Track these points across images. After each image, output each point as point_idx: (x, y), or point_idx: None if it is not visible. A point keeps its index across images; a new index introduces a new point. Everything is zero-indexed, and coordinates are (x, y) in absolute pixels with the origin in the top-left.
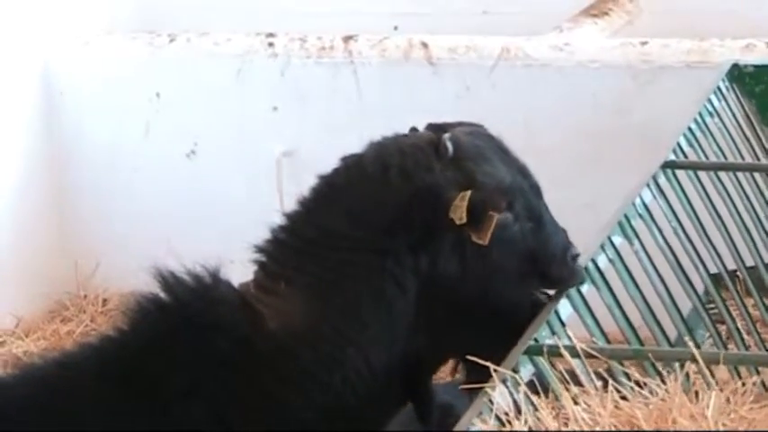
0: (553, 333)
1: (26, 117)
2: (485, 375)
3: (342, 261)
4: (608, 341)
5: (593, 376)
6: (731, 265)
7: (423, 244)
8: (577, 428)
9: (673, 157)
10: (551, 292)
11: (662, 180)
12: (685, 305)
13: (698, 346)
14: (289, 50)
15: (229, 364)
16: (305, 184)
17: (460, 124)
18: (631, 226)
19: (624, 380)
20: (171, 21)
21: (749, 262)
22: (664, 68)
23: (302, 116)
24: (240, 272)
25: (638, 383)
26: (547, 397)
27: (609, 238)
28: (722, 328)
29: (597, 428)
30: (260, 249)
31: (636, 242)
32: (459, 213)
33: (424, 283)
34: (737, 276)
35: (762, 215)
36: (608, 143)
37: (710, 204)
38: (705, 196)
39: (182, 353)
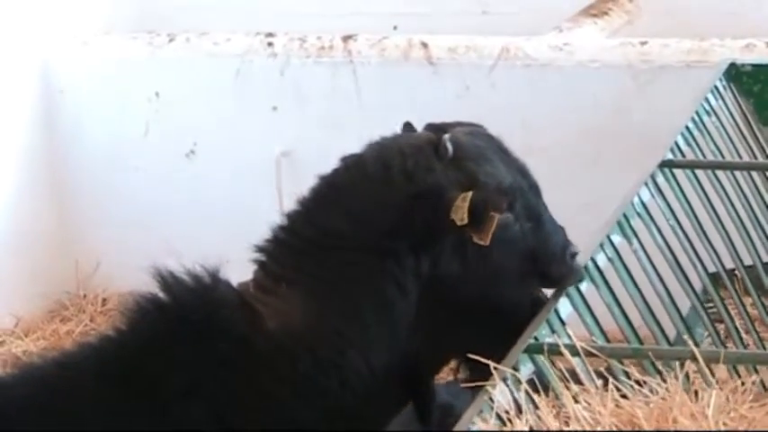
0: (553, 332)
1: (26, 116)
2: (486, 374)
3: (342, 262)
4: (607, 340)
5: (593, 375)
6: (729, 264)
7: (424, 245)
8: (578, 427)
9: (670, 156)
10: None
11: (660, 179)
12: (684, 304)
13: (697, 345)
14: (288, 50)
15: (228, 364)
16: (304, 183)
17: (460, 124)
18: (630, 225)
19: (624, 378)
20: (170, 20)
21: (747, 261)
22: (663, 68)
23: (301, 116)
24: (239, 271)
25: (637, 382)
26: (547, 395)
27: (608, 237)
28: (720, 327)
29: (598, 428)
30: (260, 249)
31: (635, 241)
32: (460, 214)
33: (425, 283)
34: (736, 275)
35: (759, 214)
36: (608, 143)
37: (708, 203)
38: (703, 195)
39: (181, 353)
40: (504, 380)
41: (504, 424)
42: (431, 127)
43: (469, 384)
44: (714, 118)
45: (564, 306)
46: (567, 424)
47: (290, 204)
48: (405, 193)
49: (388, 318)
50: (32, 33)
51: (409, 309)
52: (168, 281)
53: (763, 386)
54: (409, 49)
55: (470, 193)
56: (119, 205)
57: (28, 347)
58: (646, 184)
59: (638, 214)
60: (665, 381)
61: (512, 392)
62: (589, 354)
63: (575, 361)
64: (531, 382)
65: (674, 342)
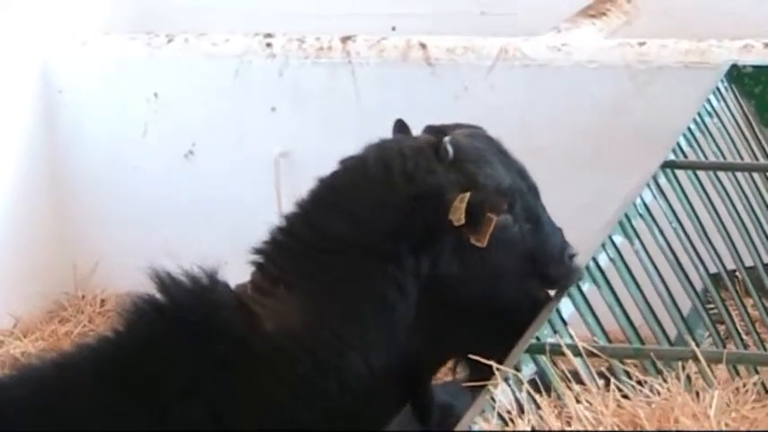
0: (555, 332)
1: (25, 116)
2: (485, 374)
3: (341, 263)
4: (609, 340)
5: (594, 375)
6: (730, 265)
7: (424, 246)
8: (580, 428)
9: (672, 157)
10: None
11: (662, 180)
12: (685, 305)
13: (698, 346)
14: (287, 51)
15: (226, 366)
16: (303, 184)
17: (459, 126)
18: (632, 225)
19: (625, 379)
20: (169, 21)
21: (748, 262)
22: (662, 69)
23: (300, 117)
24: (237, 272)
25: (639, 382)
26: (549, 396)
27: (610, 238)
28: (721, 328)
29: (600, 428)
30: (258, 251)
31: (636, 241)
32: (457, 215)
33: (425, 284)
34: (736, 276)
35: (760, 215)
36: (606, 143)
37: (710, 204)
38: (704, 196)
39: (179, 354)
40: (506, 380)
41: (506, 424)
42: (430, 129)
43: (471, 384)
44: (716, 119)
45: (566, 306)
46: (568, 424)
47: (289, 205)
48: (405, 195)
49: (388, 319)
50: (32, 33)
51: (409, 310)
52: (166, 282)
53: (764, 387)
54: (408, 49)
55: (468, 194)
56: (117, 206)
57: (26, 348)
58: (648, 185)
59: (640, 215)
60: (666, 381)
61: (513, 392)
62: (591, 354)
63: (576, 361)
64: (532, 382)
65: (674, 342)
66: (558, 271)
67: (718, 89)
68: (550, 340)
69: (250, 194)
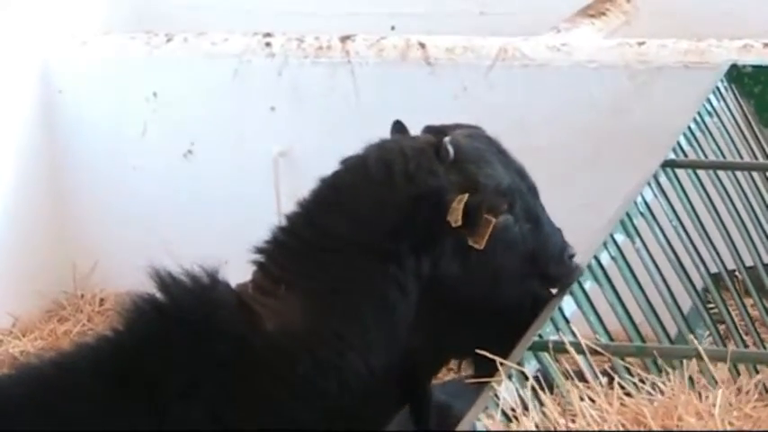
0: (557, 330)
1: (24, 116)
2: (491, 372)
3: (342, 263)
4: (610, 338)
5: (597, 373)
6: (730, 265)
7: (425, 246)
8: (585, 425)
9: (673, 156)
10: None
11: (662, 179)
12: (685, 303)
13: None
14: (286, 50)
15: (227, 365)
16: (302, 183)
17: (458, 126)
18: (633, 224)
19: (628, 377)
20: (168, 20)
21: (748, 261)
22: (661, 69)
23: (299, 116)
24: (237, 271)
25: (642, 380)
26: (551, 393)
27: (611, 236)
28: (721, 327)
29: (605, 426)
30: (259, 250)
31: (637, 240)
32: (455, 216)
33: (426, 284)
34: (736, 276)
35: (760, 214)
36: (605, 143)
37: (710, 203)
38: (705, 195)
39: (178, 353)
40: (510, 377)
41: (510, 421)
42: (430, 129)
43: (474, 381)
44: (716, 118)
45: (568, 304)
46: (572, 422)
47: (288, 204)
48: (406, 195)
49: (389, 319)
50: (31, 33)
51: (409, 309)
52: (166, 281)
53: (765, 387)
54: (407, 49)
55: (466, 196)
56: (116, 205)
57: (25, 347)
58: (648, 184)
59: (641, 214)
60: (669, 379)
61: (517, 390)
62: (594, 352)
63: (579, 359)
64: (535, 380)
65: (674, 341)
66: (558, 270)
67: (717, 89)
68: (553, 338)
69: (249, 193)
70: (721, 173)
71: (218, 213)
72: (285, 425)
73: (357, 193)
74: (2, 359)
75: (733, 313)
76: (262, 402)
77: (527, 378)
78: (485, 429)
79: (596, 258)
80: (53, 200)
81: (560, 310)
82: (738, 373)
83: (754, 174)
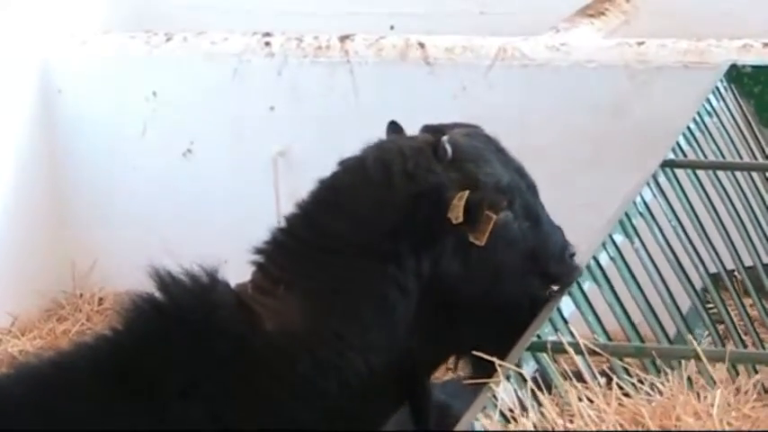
0: (556, 330)
1: (24, 115)
2: (489, 371)
3: (343, 264)
4: (609, 338)
5: (596, 373)
6: (730, 265)
7: (425, 245)
8: (583, 426)
9: (672, 156)
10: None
11: (662, 179)
12: (684, 303)
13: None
14: (285, 50)
15: (226, 365)
16: (301, 183)
17: (457, 125)
18: (632, 224)
19: (626, 377)
20: (168, 20)
21: (747, 262)
22: (660, 69)
23: (299, 116)
24: (236, 270)
25: (640, 381)
26: (550, 394)
27: (610, 236)
28: (720, 327)
29: (603, 426)
30: (259, 251)
31: (636, 240)
32: (455, 212)
33: (426, 284)
34: (735, 276)
35: (759, 215)
36: (604, 143)
37: (709, 203)
38: (704, 195)
39: (178, 353)
40: (508, 377)
41: (508, 421)
42: (428, 128)
43: (473, 381)
44: (715, 119)
45: (566, 304)
46: (571, 422)
47: (287, 204)
48: (405, 194)
49: (388, 318)
50: (31, 33)
51: (409, 309)
52: (166, 281)
53: (763, 388)
54: (406, 49)
55: (467, 192)
56: (116, 204)
57: (24, 347)
58: (648, 184)
59: (640, 214)
60: (667, 380)
61: (515, 390)
62: (592, 352)
63: (578, 359)
64: (533, 380)
65: (673, 341)
66: (559, 269)
67: (717, 89)
68: (552, 338)
69: (248, 193)
70: (720, 173)
71: (217, 213)
72: (285, 425)
73: (356, 193)
74: (1, 358)
75: (732, 313)
76: (261, 402)
77: (525, 379)
78: (483, 430)
79: (595, 259)
80: (52, 199)
81: (559, 310)
82: (737, 373)
83: (754, 174)
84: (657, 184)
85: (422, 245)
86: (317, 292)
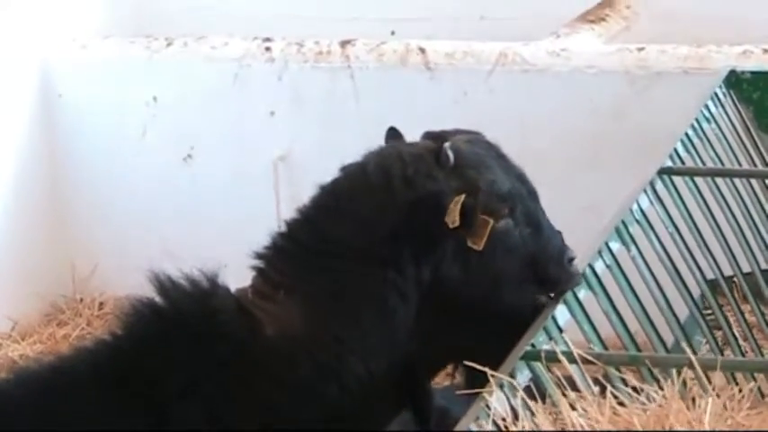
0: (550, 339)
1: (24, 120)
2: (483, 381)
3: (343, 270)
4: (605, 347)
5: (590, 382)
6: (728, 272)
7: (425, 251)
8: None
9: (669, 163)
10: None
11: (659, 186)
12: (682, 311)
13: (694, 353)
14: (286, 55)
15: (226, 369)
16: (301, 188)
17: (458, 131)
18: (628, 232)
19: (621, 386)
20: (168, 24)
21: (746, 268)
22: (661, 74)
23: (299, 120)
24: (236, 276)
25: (635, 389)
26: (544, 403)
27: (606, 244)
28: (718, 334)
29: None
30: (259, 256)
31: (633, 248)
32: (452, 216)
33: (426, 289)
34: (734, 283)
35: (758, 221)
36: (605, 148)
37: (707, 210)
38: (702, 202)
39: (178, 357)
40: (501, 387)
41: (501, 431)
42: (429, 135)
43: (466, 391)
44: (714, 125)
45: (561, 313)
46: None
47: (288, 209)
48: (405, 199)
49: (388, 323)
50: (31, 37)
51: (409, 314)
52: (166, 285)
53: (761, 394)
54: (407, 54)
55: (463, 197)
56: (116, 208)
57: (24, 351)
58: (645, 191)
59: (637, 221)
60: (662, 388)
61: (508, 399)
62: (586, 361)
63: (572, 368)
64: (528, 389)
65: (671, 349)
66: (558, 274)
67: (716, 95)
68: (546, 347)
69: (249, 198)
70: (719, 179)
71: (217, 217)
72: (285, 428)
73: (356, 198)
74: (1, 363)
75: (730, 320)
76: (261, 406)
77: (517, 388)
78: None
79: (591, 266)
80: (53, 203)
81: (553, 318)
82: (735, 380)
83: (753, 181)
84: (654, 191)
85: (422, 250)
86: (318, 297)
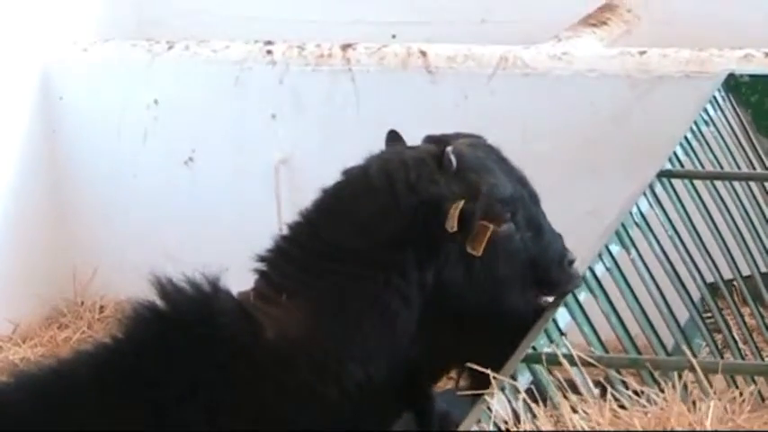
0: (551, 341)
1: (25, 123)
2: (485, 383)
3: (344, 273)
4: (605, 349)
5: (591, 385)
6: (727, 275)
7: (427, 256)
8: None
9: (669, 166)
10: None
11: (658, 189)
12: (682, 314)
13: (695, 356)
14: (287, 58)
15: (227, 372)
16: (303, 191)
17: (459, 135)
18: (629, 235)
19: (622, 388)
20: (170, 28)
21: (745, 271)
22: (662, 78)
23: (300, 124)
24: (237, 279)
25: (635, 392)
26: (545, 405)
27: (606, 247)
28: (718, 337)
29: None
30: (261, 259)
31: (633, 251)
32: (450, 222)
33: (429, 293)
34: (734, 285)
35: (757, 225)
36: (606, 152)
37: (707, 213)
38: (701, 205)
39: (178, 361)
40: (503, 389)
41: None
42: (431, 139)
43: (467, 393)
44: (713, 128)
45: (562, 316)
46: None
47: (289, 211)
48: (408, 204)
49: (390, 328)
50: (32, 40)
51: (411, 318)
52: (167, 288)
53: (761, 397)
54: (408, 57)
55: (462, 202)
56: (117, 212)
57: (25, 354)
58: (644, 194)
59: (637, 224)
60: (662, 391)
61: (510, 402)
62: (587, 364)
63: (573, 371)
64: (529, 391)
65: (671, 352)
66: (559, 276)
67: (715, 98)
68: (547, 350)
69: (250, 201)
70: (718, 182)
71: (218, 220)
72: (284, 430)
73: (359, 202)
74: (2, 366)
75: (730, 323)
76: (262, 410)
77: (519, 391)
78: None
79: (591, 269)
80: (54, 207)
81: (554, 321)
82: (735, 383)
83: (752, 183)
84: (654, 194)
85: (424, 255)
86: (320, 301)
